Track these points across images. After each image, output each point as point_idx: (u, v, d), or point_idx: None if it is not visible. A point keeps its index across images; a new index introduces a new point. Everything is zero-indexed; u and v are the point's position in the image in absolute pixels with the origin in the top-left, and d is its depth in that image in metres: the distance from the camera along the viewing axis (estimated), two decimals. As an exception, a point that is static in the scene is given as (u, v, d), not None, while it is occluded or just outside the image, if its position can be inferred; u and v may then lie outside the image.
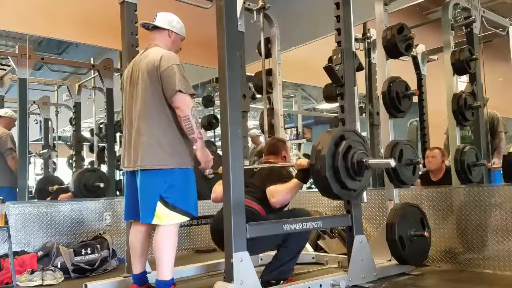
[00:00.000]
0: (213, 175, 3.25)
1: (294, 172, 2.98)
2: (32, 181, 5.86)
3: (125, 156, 2.70)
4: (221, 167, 2.89)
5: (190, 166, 2.67)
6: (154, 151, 2.56)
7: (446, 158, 4.42)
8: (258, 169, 3.15)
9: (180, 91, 2.54)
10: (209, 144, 5.76)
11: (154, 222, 2.56)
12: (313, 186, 8.50)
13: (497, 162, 4.31)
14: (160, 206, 2.54)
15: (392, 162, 2.65)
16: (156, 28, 2.79)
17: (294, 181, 2.83)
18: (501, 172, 4.26)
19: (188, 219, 2.63)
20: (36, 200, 5.21)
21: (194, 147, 2.63)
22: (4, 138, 4.62)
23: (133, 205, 2.69)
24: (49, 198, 5.41)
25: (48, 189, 5.47)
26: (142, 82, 2.63)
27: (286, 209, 3.12)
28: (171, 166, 2.57)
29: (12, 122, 4.78)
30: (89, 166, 5.86)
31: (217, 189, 3.04)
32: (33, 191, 5.51)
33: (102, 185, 5.06)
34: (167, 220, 2.55)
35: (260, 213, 2.88)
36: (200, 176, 3.23)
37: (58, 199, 5.27)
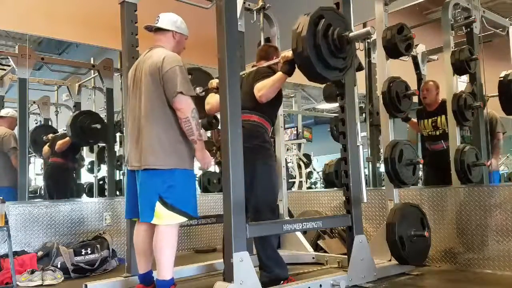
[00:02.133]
0: (203, 93, 3.19)
1: None
2: (32, 181, 5.86)
3: (130, 156, 2.72)
4: (210, 81, 3.02)
5: (190, 167, 2.69)
6: (156, 151, 2.58)
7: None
8: (246, 78, 3.08)
9: (181, 92, 2.55)
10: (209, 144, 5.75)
11: (153, 221, 2.57)
12: (313, 186, 8.53)
13: (494, 163, 4.28)
14: (159, 206, 2.55)
15: (372, 30, 2.61)
16: (159, 29, 2.80)
17: (279, 73, 2.81)
18: (499, 172, 4.25)
19: (187, 219, 2.64)
20: (36, 200, 5.20)
21: (194, 148, 2.66)
22: (7, 138, 4.64)
23: (134, 204, 2.71)
24: (46, 147, 5.36)
25: (43, 138, 5.42)
26: (145, 83, 2.65)
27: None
28: (171, 167, 2.58)
29: (15, 122, 4.79)
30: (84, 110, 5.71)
31: (211, 99, 3.05)
32: (29, 143, 5.32)
33: (99, 126, 5.03)
34: (166, 220, 2.56)
35: (263, 125, 2.91)
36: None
37: (56, 146, 5.26)
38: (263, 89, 2.80)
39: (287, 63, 2.74)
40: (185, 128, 2.59)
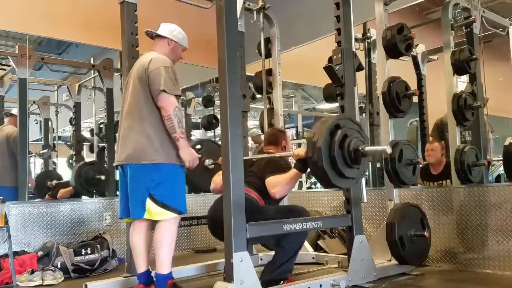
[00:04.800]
0: (213, 166, 3.25)
1: (292, 162, 2.99)
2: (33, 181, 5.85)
3: (119, 152, 2.79)
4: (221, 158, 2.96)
5: (178, 162, 2.73)
6: (143, 147, 2.65)
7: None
8: (257, 159, 3.15)
9: (164, 91, 2.64)
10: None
11: (145, 216, 2.64)
12: (313, 186, 8.53)
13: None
14: (149, 202, 2.62)
15: (388, 149, 2.65)
16: (158, 36, 2.92)
17: (293, 171, 2.84)
18: (491, 171, 4.22)
19: (177, 215, 2.69)
20: (36, 200, 5.19)
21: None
22: (16, 137, 4.60)
23: (127, 202, 2.76)
24: (48, 195, 5.37)
25: (47, 184, 5.43)
26: (133, 84, 2.77)
27: (284, 201, 3.14)
28: (158, 161, 2.65)
29: None
30: (87, 160, 5.72)
31: (217, 179, 3.08)
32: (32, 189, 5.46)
33: (103, 177, 5.04)
34: (158, 216, 2.63)
35: (258, 202, 2.90)
36: (200, 168, 3.24)
37: (58, 194, 5.25)
38: (277, 186, 2.84)
39: (300, 161, 2.77)
40: (167, 125, 2.66)
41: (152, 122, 2.68)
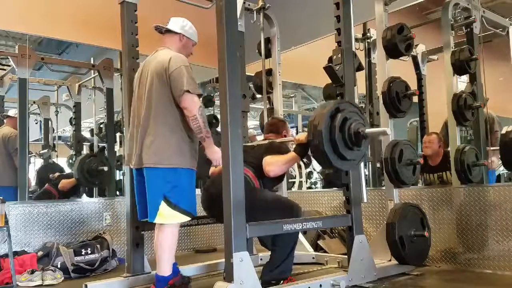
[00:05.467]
0: None
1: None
2: (32, 181, 5.85)
3: (133, 155, 2.76)
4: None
5: (194, 167, 2.75)
6: (161, 150, 2.64)
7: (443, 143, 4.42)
8: (258, 144, 3.16)
9: (188, 91, 2.62)
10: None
11: (156, 221, 2.65)
12: (313, 186, 8.54)
13: (495, 161, 4.30)
14: (163, 206, 2.62)
15: (388, 130, 2.69)
16: (168, 31, 2.89)
17: (292, 153, 2.86)
18: (495, 171, 4.23)
19: (189, 218, 2.71)
20: (36, 200, 5.19)
21: (203, 145, 2.73)
22: (13, 138, 4.64)
23: (145, 204, 2.77)
24: (48, 184, 5.38)
25: (49, 176, 5.43)
26: (150, 83, 2.71)
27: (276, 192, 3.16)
28: (176, 166, 2.65)
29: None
30: (88, 152, 5.72)
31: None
32: (33, 181, 5.44)
33: (106, 168, 5.03)
34: (170, 219, 2.64)
35: (253, 181, 2.91)
36: (203, 160, 3.25)
37: (60, 185, 5.25)
38: (273, 164, 2.85)
39: (300, 146, 2.79)
40: (193, 126, 2.64)
41: (171, 124, 2.67)
